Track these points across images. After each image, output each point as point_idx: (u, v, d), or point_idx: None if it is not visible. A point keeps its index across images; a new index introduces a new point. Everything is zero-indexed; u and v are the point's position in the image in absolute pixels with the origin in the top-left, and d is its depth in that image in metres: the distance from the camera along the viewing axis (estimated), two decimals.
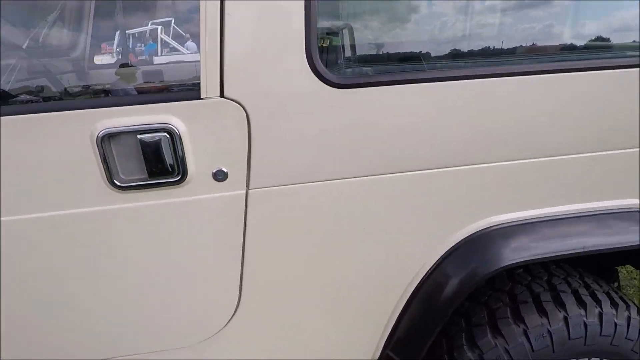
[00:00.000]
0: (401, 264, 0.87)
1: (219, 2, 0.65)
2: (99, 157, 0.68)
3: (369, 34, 0.93)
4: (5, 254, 0.72)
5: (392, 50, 0.94)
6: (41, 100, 0.83)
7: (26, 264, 0.74)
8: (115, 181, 0.69)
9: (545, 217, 0.87)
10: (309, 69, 0.70)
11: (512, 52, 0.90)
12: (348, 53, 0.87)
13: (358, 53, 0.93)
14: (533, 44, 0.93)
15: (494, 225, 0.86)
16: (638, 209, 0.91)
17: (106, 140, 0.67)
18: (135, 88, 0.93)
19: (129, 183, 0.70)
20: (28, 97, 0.81)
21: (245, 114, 0.70)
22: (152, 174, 0.70)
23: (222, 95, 0.69)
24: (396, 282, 0.88)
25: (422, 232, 0.85)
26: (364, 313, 0.90)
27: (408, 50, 0.92)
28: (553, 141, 0.82)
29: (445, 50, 0.92)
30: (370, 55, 0.94)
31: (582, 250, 0.86)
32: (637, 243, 0.88)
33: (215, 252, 0.80)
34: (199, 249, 0.79)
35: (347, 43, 0.87)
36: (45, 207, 0.70)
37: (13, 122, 0.65)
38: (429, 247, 0.86)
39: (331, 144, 0.75)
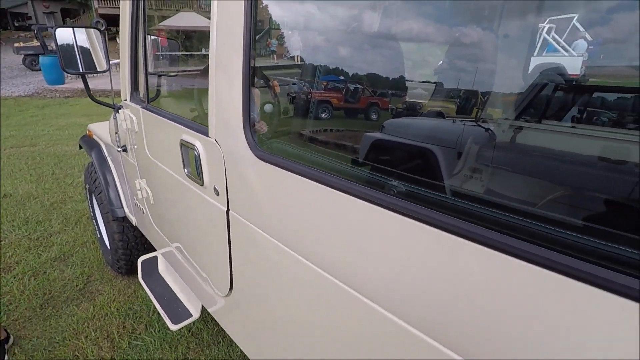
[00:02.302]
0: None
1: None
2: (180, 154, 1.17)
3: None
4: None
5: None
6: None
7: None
8: (184, 170, 1.17)
9: None
10: (246, 142, 0.83)
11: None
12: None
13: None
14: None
15: None
16: None
17: (180, 146, 1.14)
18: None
19: (189, 174, 1.15)
20: None
21: (222, 155, 0.95)
22: (190, 174, 1.12)
23: (215, 138, 0.97)
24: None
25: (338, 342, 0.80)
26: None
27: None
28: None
29: None
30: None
31: None
32: None
33: (212, 240, 1.14)
34: (207, 230, 1.16)
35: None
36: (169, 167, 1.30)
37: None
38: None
39: (261, 203, 0.86)
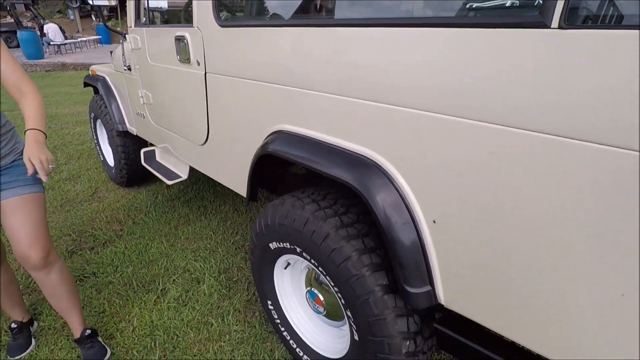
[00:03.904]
0: (256, 129, 1.58)
1: None
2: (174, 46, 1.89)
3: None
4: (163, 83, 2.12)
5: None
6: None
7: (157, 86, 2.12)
8: (177, 57, 1.89)
9: (315, 138, 1.30)
10: (213, 18, 1.56)
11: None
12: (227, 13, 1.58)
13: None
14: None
15: (287, 130, 1.41)
16: (365, 157, 1.14)
17: (175, 40, 1.86)
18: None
19: (181, 59, 1.87)
20: None
21: (201, 36, 1.68)
22: (181, 58, 1.84)
23: (197, 26, 1.69)
24: (256, 134, 1.60)
25: (261, 118, 1.53)
26: (241, 144, 1.70)
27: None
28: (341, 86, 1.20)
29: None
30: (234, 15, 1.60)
31: (312, 167, 1.26)
32: (346, 180, 1.16)
33: (195, 105, 1.87)
34: (191, 98, 1.89)
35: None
36: (165, 63, 2.02)
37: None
38: (263, 126, 1.53)
39: (227, 56, 1.60)
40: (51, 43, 12.83)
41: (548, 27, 0.69)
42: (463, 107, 0.86)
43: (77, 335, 1.65)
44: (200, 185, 3.37)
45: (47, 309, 1.96)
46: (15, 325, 1.73)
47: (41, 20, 14.48)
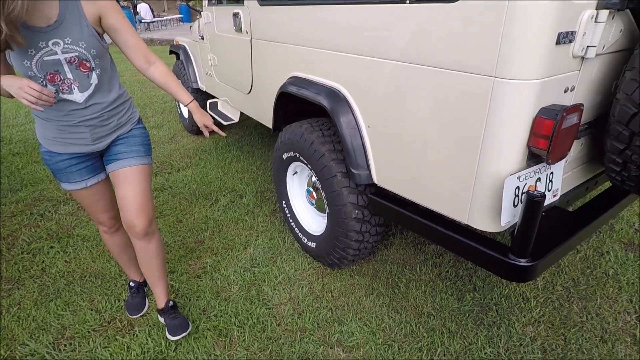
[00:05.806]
0: (280, 76, 2.29)
1: None
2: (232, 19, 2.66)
3: None
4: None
5: None
6: None
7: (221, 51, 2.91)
8: (233, 28, 2.66)
9: (312, 79, 1.99)
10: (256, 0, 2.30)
11: None
12: None
13: None
14: None
15: (298, 76, 2.11)
16: (333, 87, 1.81)
17: (232, 15, 2.63)
18: None
19: (236, 29, 2.64)
20: None
21: (249, 12, 2.42)
22: (236, 29, 2.61)
23: (247, 5, 2.44)
24: (280, 80, 2.31)
25: (283, 69, 2.25)
26: (271, 88, 2.44)
27: None
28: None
29: None
30: None
31: (304, 96, 1.95)
32: (326, 106, 1.83)
33: (244, 63, 2.63)
34: (241, 59, 2.65)
35: None
36: (226, 32, 2.80)
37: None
38: (284, 74, 2.24)
39: (264, 26, 2.32)
40: (142, 21, 14.64)
41: (405, 3, 1.31)
42: (374, 52, 1.50)
43: (160, 306, 1.75)
44: (252, 137, 4.21)
45: None
46: (134, 284, 1.90)
47: (134, 1, 16.44)
